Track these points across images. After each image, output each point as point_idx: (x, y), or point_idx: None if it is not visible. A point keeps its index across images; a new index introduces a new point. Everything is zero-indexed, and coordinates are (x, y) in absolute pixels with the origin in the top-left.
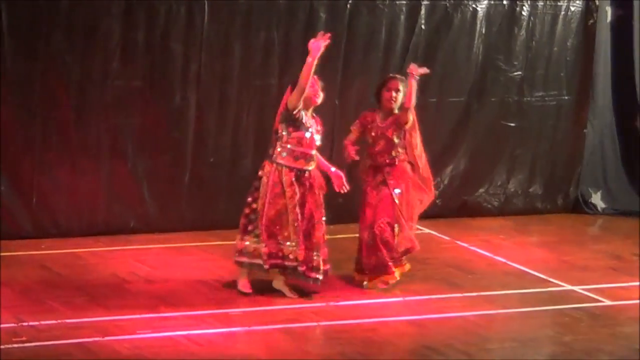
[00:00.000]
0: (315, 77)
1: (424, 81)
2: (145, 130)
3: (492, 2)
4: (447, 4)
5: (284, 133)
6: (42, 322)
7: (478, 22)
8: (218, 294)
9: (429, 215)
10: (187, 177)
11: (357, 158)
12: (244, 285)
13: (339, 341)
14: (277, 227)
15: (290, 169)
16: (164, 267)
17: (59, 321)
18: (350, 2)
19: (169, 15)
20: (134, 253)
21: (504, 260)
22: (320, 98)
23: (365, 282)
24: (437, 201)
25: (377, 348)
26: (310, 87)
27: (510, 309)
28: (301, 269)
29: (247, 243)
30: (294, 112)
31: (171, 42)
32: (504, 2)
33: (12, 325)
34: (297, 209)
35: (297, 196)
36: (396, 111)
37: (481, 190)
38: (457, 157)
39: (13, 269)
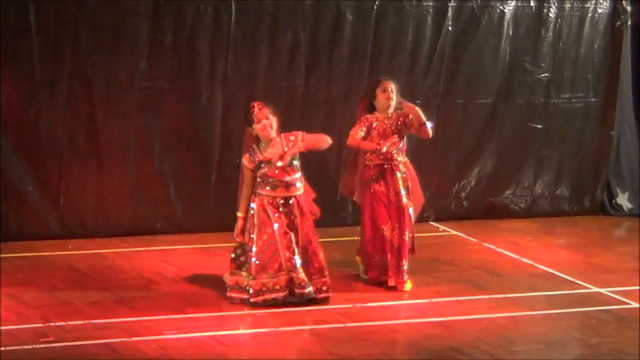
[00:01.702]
0: (258, 105)
1: (451, 83)
2: (172, 130)
3: (519, 4)
4: (474, 6)
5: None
6: (69, 323)
7: (505, 24)
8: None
9: (456, 216)
10: (214, 177)
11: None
12: None
13: (365, 342)
14: (267, 258)
15: (273, 198)
16: (190, 268)
17: (86, 321)
18: (377, 3)
19: (196, 15)
20: (161, 254)
21: (530, 262)
22: (271, 130)
23: (407, 284)
24: (464, 203)
25: (403, 349)
26: (257, 122)
27: (536, 311)
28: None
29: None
30: (251, 169)
31: (198, 43)
32: (531, 4)
33: (39, 325)
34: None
35: (286, 222)
36: (391, 110)
37: (508, 192)
38: (484, 158)
39: (40, 269)
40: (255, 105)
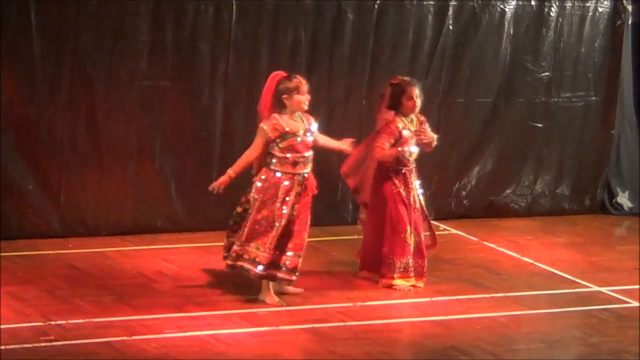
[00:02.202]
0: (302, 79)
1: (451, 82)
2: (172, 129)
3: (520, 3)
4: (475, 5)
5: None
6: (70, 321)
7: (506, 23)
8: (245, 293)
9: (456, 215)
10: (215, 176)
11: None
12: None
13: (366, 341)
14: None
15: (292, 176)
16: (191, 267)
17: (87, 320)
18: (378, 2)
19: (197, 15)
20: (162, 252)
21: (530, 261)
22: (307, 103)
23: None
24: (464, 202)
25: (404, 348)
26: (299, 92)
27: (537, 310)
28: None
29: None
30: (275, 138)
31: (199, 42)
32: (532, 3)
33: (40, 324)
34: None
35: (297, 204)
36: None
37: (508, 190)
38: (484, 157)
39: (41, 267)
40: (299, 77)
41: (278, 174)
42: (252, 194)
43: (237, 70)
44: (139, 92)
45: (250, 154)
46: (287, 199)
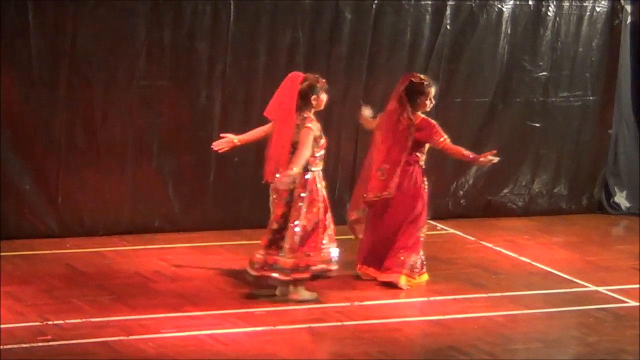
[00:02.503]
0: (322, 79)
1: (449, 82)
2: (170, 129)
3: (518, 3)
4: (473, 4)
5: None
6: (67, 321)
7: (503, 23)
8: (243, 293)
9: (454, 215)
10: (212, 176)
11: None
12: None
13: (363, 341)
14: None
15: (319, 173)
16: (188, 266)
17: (84, 320)
18: (375, 2)
19: (195, 14)
20: (159, 252)
21: (528, 260)
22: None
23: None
24: (462, 201)
25: (401, 348)
26: (325, 91)
27: (534, 310)
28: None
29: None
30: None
31: (197, 42)
32: (530, 3)
33: (37, 324)
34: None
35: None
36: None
37: (506, 190)
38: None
39: (38, 267)
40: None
41: (314, 173)
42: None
43: (234, 70)
44: (137, 92)
45: (307, 153)
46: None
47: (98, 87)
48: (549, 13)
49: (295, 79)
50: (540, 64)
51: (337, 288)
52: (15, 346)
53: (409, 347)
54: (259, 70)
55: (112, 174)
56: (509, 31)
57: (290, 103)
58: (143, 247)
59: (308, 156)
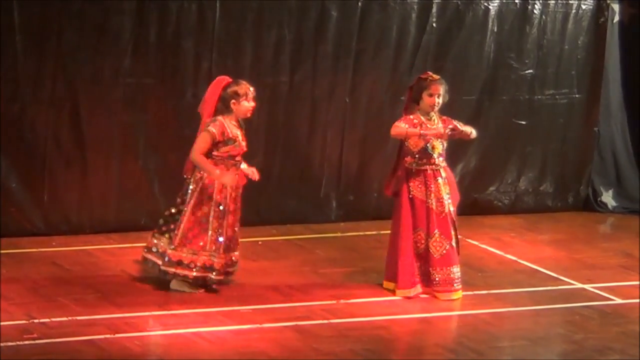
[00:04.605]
0: (249, 86)
1: None
2: (156, 127)
3: (504, 1)
4: (459, 3)
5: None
6: (53, 319)
7: (489, 21)
8: (228, 291)
9: None
10: None
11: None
12: None
13: (350, 339)
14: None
15: None
16: None
17: (70, 318)
18: (361, 0)
19: (181, 13)
20: None
21: (514, 258)
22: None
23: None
24: None
25: (388, 346)
26: (247, 99)
27: (520, 307)
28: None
29: None
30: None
31: (182, 40)
32: (516, 1)
33: (23, 322)
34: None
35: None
36: (435, 113)
37: (492, 188)
38: (468, 155)
39: (24, 266)
40: (247, 83)
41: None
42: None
43: (220, 68)
44: (123, 90)
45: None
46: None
47: (84, 85)
48: (534, 11)
49: (219, 83)
50: (526, 61)
51: (322, 286)
52: (0, 344)
53: (395, 345)
54: (245, 68)
55: (98, 172)
56: (495, 29)
57: (209, 105)
58: (129, 245)
59: (194, 156)
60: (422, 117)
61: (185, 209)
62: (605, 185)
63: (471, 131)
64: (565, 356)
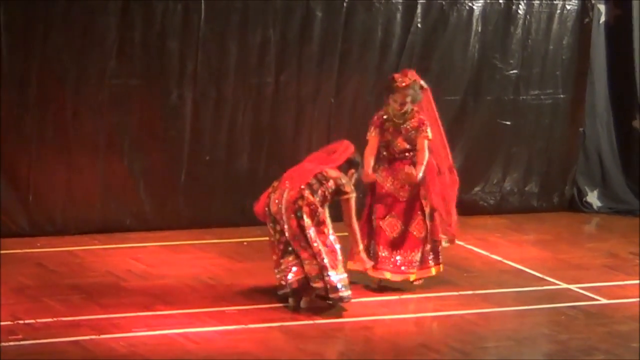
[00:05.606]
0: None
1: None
2: (141, 128)
3: (488, 1)
4: (443, 3)
5: None
6: (38, 320)
7: (474, 21)
8: (214, 291)
9: None
10: (183, 175)
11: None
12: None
13: (335, 339)
14: None
15: None
16: (159, 265)
17: (55, 319)
18: (346, 0)
19: (166, 13)
20: (130, 251)
21: (499, 258)
22: None
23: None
24: None
25: (373, 346)
26: None
27: (506, 308)
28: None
29: None
30: None
31: (168, 41)
32: (500, 1)
33: (8, 323)
34: None
35: None
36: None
37: (477, 188)
38: (453, 155)
39: (9, 266)
40: None
41: None
42: None
43: (205, 68)
44: (108, 90)
45: None
46: None
47: (69, 85)
48: (519, 11)
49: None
50: (511, 62)
51: None
52: None
53: (380, 346)
54: (230, 68)
55: (83, 172)
56: (479, 29)
57: None
58: (114, 246)
59: None
60: (391, 112)
61: None
62: (591, 185)
63: (411, 175)
64: (550, 356)
